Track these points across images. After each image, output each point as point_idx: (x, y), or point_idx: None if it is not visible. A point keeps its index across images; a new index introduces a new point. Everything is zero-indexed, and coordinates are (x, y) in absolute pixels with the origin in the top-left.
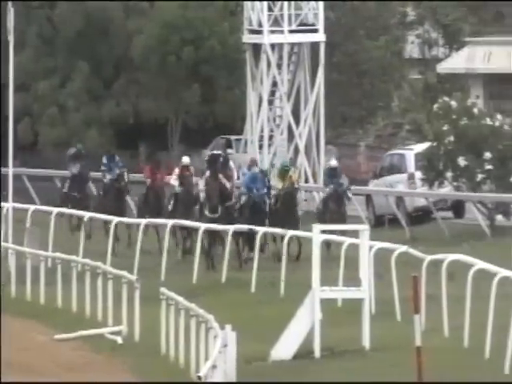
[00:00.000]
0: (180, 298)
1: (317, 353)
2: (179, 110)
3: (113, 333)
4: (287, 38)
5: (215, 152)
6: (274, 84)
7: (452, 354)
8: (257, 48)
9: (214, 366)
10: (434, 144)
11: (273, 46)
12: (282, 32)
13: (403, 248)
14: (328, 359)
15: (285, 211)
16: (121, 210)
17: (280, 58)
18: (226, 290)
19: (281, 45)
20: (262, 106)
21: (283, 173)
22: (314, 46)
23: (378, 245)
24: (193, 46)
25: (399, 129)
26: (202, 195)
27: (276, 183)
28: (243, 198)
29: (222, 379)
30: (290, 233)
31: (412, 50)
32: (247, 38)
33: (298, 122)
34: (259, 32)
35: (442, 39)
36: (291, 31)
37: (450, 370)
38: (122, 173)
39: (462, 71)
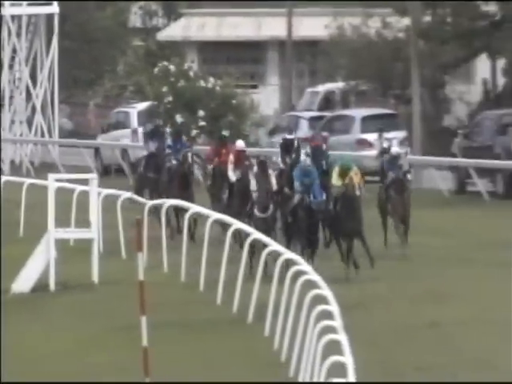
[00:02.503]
0: None
1: (52, 287)
2: None
3: None
4: (25, 10)
5: (288, 136)
6: (14, 51)
7: (171, 288)
8: None
9: None
10: (155, 103)
11: (13, 17)
12: (20, 5)
13: (127, 194)
14: (62, 292)
15: (346, 216)
16: (188, 198)
17: (19, 27)
18: None
19: (20, 16)
20: (3, 70)
21: (344, 172)
22: (50, 17)
23: (105, 191)
24: None
25: (124, 90)
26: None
27: (335, 181)
28: (296, 197)
29: None
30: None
31: (135, 20)
32: None
33: (35, 84)
34: (0, 4)
35: (161, 10)
36: (29, 4)
37: (169, 302)
38: (186, 153)
39: (179, 39)
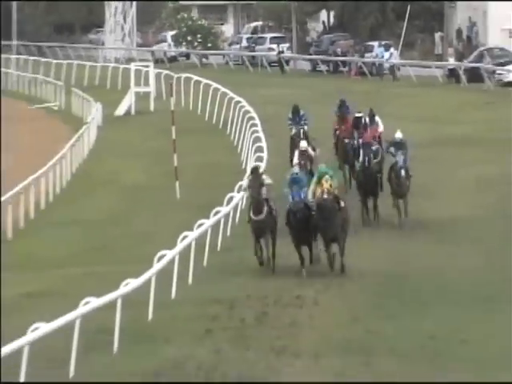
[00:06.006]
0: None
1: (133, 112)
2: None
3: None
4: None
5: (358, 115)
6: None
7: (187, 114)
8: None
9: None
10: (178, 31)
11: None
12: None
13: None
14: (137, 115)
15: (321, 224)
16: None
17: None
18: None
19: None
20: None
21: (318, 179)
22: None
23: (156, 70)
24: None
25: (164, 25)
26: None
27: (310, 195)
28: (288, 205)
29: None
30: None
31: None
32: None
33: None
34: None
35: None
36: None
37: (185, 120)
38: (299, 130)
39: (188, 3)
